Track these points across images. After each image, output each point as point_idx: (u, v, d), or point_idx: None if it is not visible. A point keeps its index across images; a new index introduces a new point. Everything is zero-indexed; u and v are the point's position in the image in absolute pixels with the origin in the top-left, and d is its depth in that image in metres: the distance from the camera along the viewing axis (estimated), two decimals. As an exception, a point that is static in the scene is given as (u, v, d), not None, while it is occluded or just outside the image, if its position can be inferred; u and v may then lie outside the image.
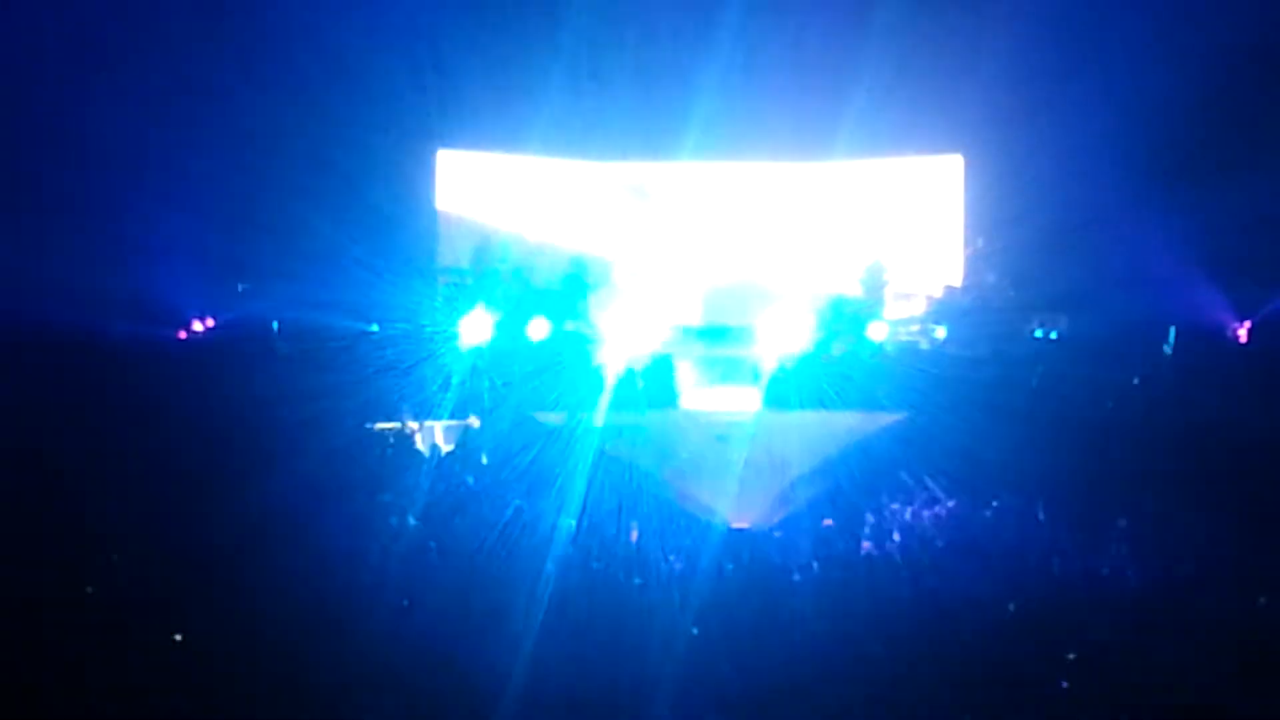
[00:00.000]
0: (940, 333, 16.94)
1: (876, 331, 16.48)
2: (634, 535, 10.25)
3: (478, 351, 15.34)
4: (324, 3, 15.95)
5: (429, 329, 15.53)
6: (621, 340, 15.02)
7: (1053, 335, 16.45)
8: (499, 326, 16.07)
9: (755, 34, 17.15)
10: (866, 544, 10.35)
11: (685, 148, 17.94)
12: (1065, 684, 7.80)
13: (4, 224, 15.00)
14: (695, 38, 16.94)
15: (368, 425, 13.75)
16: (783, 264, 19.04)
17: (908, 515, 11.28)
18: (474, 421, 13.92)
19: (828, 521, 10.86)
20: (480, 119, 18.12)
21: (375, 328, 15.90)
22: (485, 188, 19.07)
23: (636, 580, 9.41)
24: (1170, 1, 15.65)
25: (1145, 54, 15.82)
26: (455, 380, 14.42)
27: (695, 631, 8.38)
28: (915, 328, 17.65)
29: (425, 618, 8.43)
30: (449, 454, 13.27)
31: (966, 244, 18.61)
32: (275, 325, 16.24)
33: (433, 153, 18.84)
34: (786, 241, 19.22)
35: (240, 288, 17.11)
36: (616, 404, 13.74)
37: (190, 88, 16.07)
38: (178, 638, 8.06)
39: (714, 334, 16.80)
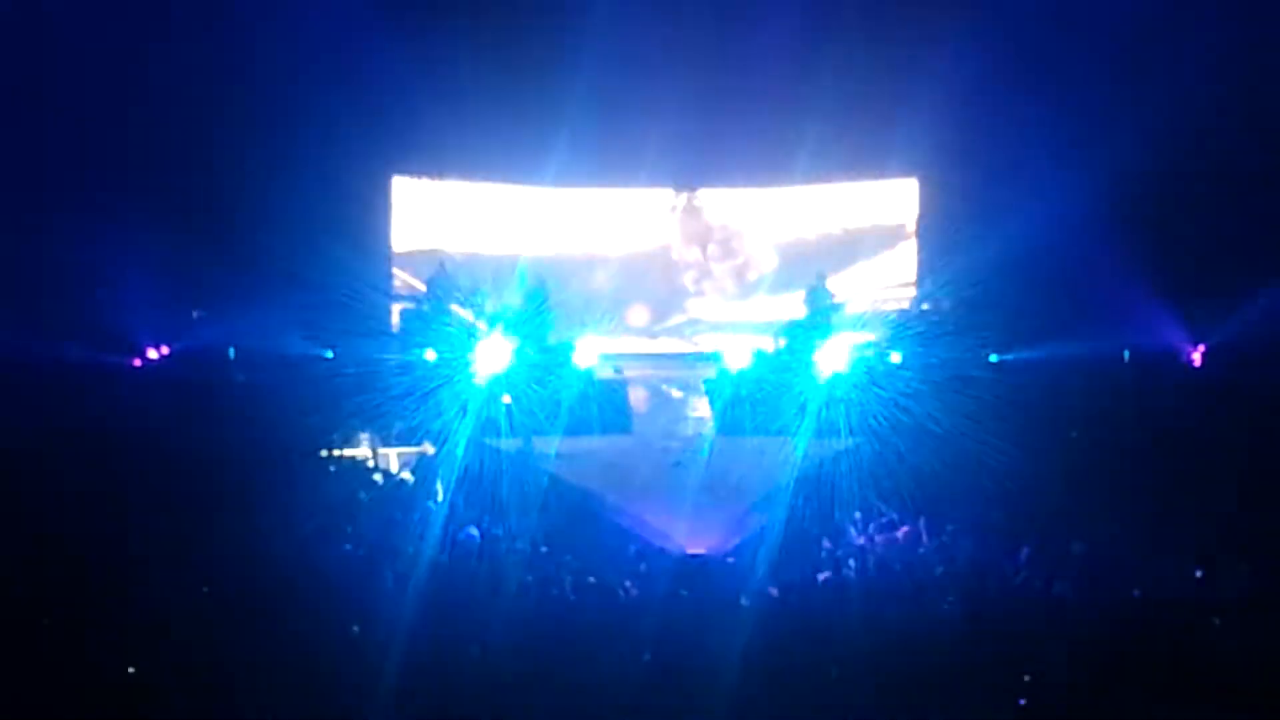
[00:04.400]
0: (895, 357, 16.98)
1: (830, 357, 16.52)
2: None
3: (435, 377, 15.31)
4: (280, 29, 15.91)
5: (385, 355, 15.51)
6: (576, 366, 15.02)
7: (1007, 359, 16.52)
8: (457, 352, 16.05)
9: (712, 62, 17.19)
10: (822, 570, 10.34)
11: (642, 175, 17.99)
12: (1022, 701, 7.82)
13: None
14: (653, 66, 16.95)
15: (324, 451, 13.71)
16: (740, 289, 19.11)
17: (862, 540, 11.30)
18: (429, 448, 13.89)
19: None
20: (436, 146, 18.10)
21: (331, 354, 15.85)
22: (442, 214, 19.07)
23: (593, 604, 9.40)
24: (1124, 29, 15.76)
25: (1101, 79, 15.95)
26: (411, 406, 14.40)
27: (647, 657, 8.37)
28: (870, 352, 17.70)
29: (380, 643, 8.38)
30: (404, 480, 13.25)
31: (921, 268, 18.70)
32: (231, 352, 16.18)
33: (389, 179, 18.82)
34: (743, 266, 19.28)
35: (196, 314, 17.03)
36: (571, 429, 13.73)
37: (146, 115, 15.99)
38: (131, 670, 7.97)
39: (669, 360, 16.81)
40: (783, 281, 18.95)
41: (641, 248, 19.32)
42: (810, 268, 18.44)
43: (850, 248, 19.08)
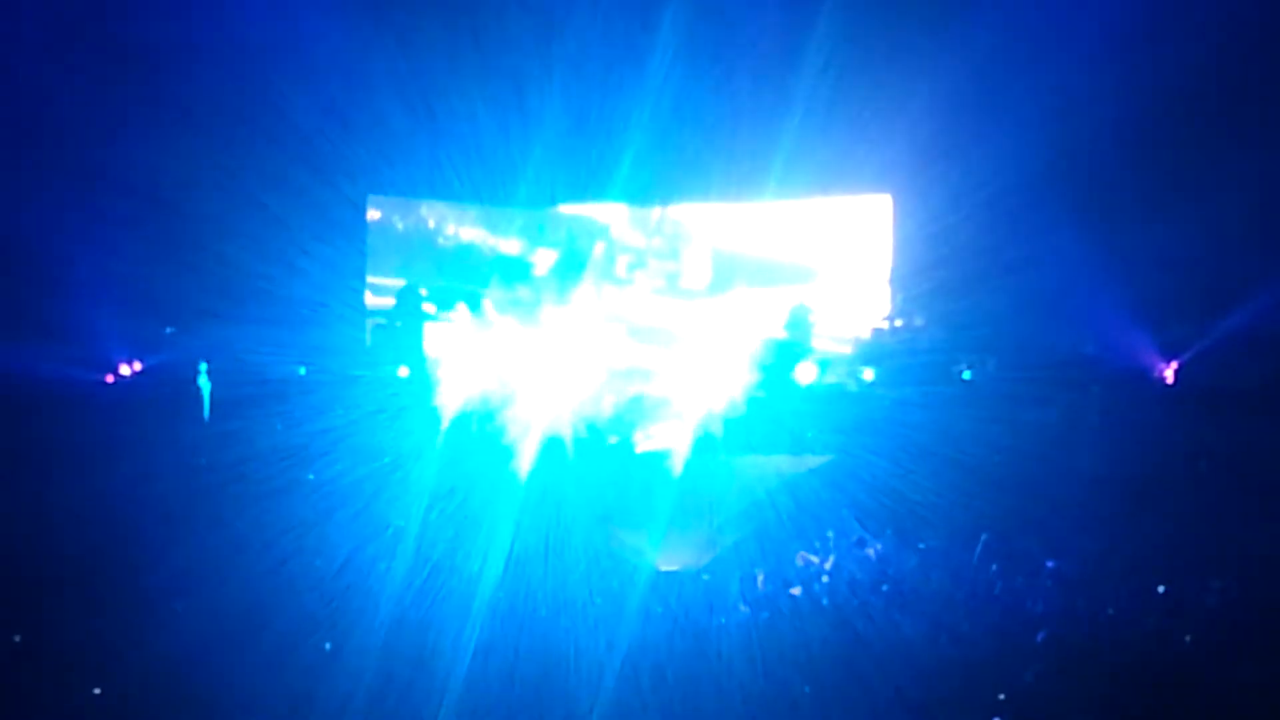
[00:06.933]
0: (868, 374, 17.00)
1: (805, 373, 16.52)
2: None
3: (406, 394, 15.27)
4: (251, 45, 15.88)
5: (357, 371, 15.48)
6: (549, 384, 14.99)
7: (979, 375, 16.55)
8: (430, 370, 16.02)
9: (684, 79, 17.19)
10: (795, 587, 10.32)
11: (615, 192, 17.99)
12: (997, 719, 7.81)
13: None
14: (626, 83, 16.96)
15: (294, 469, 13.63)
16: (712, 305, 19.11)
17: (836, 558, 11.28)
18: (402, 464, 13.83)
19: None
20: (410, 165, 18.11)
21: (303, 370, 15.81)
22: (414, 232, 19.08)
23: (563, 622, 9.36)
24: (1091, 44, 15.82)
25: (1070, 95, 16.00)
26: (383, 423, 14.35)
27: (620, 669, 8.34)
28: (843, 369, 17.72)
29: (350, 661, 8.34)
30: (375, 497, 13.17)
31: (894, 284, 18.71)
32: (203, 368, 16.12)
33: (363, 196, 18.80)
34: (715, 282, 19.29)
35: (168, 330, 16.98)
36: (543, 446, 13.68)
37: (118, 129, 15.94)
38: (97, 691, 7.90)
39: (642, 376, 16.78)
40: (755, 299, 19.01)
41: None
42: (783, 285, 18.51)
43: (825, 264, 19.11)
